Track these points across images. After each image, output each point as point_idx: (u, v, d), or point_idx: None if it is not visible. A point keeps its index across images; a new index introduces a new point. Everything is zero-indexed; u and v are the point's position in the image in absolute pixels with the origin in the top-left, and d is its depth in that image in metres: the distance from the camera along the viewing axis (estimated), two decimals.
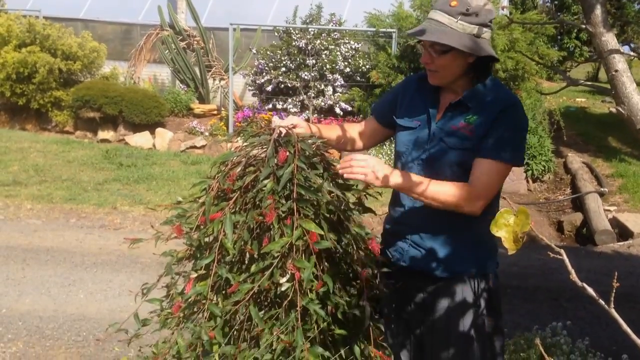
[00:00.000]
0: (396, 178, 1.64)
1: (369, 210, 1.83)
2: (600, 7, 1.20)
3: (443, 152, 1.73)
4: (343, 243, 1.68)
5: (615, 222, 5.96)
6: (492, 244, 1.81)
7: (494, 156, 1.67)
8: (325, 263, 1.65)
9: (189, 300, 1.69)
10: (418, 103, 1.84)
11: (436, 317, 1.79)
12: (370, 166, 1.60)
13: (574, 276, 0.94)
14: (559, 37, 17.73)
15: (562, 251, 0.97)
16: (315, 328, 1.60)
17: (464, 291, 1.77)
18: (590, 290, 0.93)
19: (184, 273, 1.78)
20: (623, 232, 5.80)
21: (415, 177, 1.67)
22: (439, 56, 1.71)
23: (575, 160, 8.23)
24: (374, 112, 2.02)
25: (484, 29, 1.70)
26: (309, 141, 1.69)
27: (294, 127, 1.74)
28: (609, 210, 6.41)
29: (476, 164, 1.68)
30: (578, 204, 6.72)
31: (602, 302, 0.92)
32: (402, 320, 1.86)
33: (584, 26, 1.26)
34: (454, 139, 1.72)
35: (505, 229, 1.03)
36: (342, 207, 1.69)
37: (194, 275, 1.72)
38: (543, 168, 7.54)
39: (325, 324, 1.60)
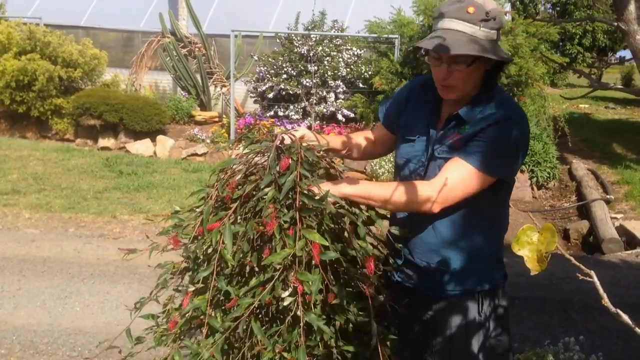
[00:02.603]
0: (338, 189, 1.55)
1: (382, 217, 1.72)
2: (634, 2, 1.11)
3: (437, 165, 1.66)
4: (348, 256, 1.59)
5: (622, 230, 5.85)
6: (496, 256, 1.72)
7: (462, 156, 1.58)
8: (330, 277, 1.56)
9: (186, 315, 1.60)
10: (419, 113, 1.76)
11: (442, 338, 1.70)
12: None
13: (606, 301, 0.86)
14: (560, 44, 17.71)
15: (593, 273, 0.88)
16: (321, 345, 1.50)
17: (472, 310, 1.69)
18: (625, 318, 0.84)
19: (180, 286, 1.69)
20: (630, 241, 5.69)
21: (361, 185, 1.58)
22: (464, 69, 1.58)
23: (580, 167, 8.14)
24: (380, 118, 1.93)
25: (499, 33, 1.62)
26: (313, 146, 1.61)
27: (302, 137, 1.66)
28: (615, 218, 6.31)
29: (448, 162, 1.61)
30: (584, 212, 6.62)
31: (639, 331, 0.83)
32: (407, 341, 1.77)
33: (616, 24, 1.17)
34: (444, 148, 1.65)
35: (528, 247, 0.94)
36: (346, 218, 1.60)
37: (191, 288, 1.63)
38: (548, 175, 7.45)
39: (332, 340, 1.51)
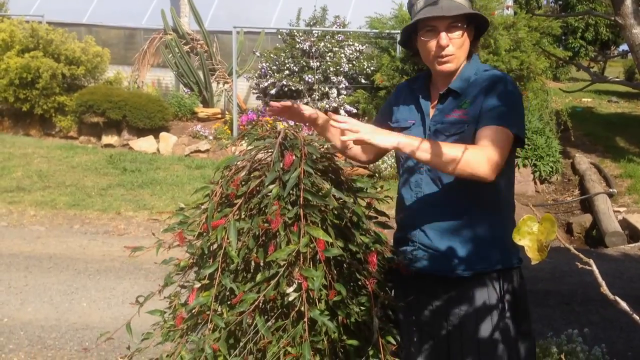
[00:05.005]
0: (400, 137, 1.53)
1: (381, 214, 1.75)
2: None
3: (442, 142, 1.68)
4: (351, 251, 1.61)
5: (625, 224, 5.87)
6: (509, 236, 1.73)
7: (497, 122, 1.60)
8: (334, 271, 1.58)
9: (193, 311, 1.63)
10: (410, 103, 1.81)
11: (456, 323, 1.71)
12: (367, 127, 1.52)
13: (605, 289, 0.88)
14: (563, 38, 17.66)
15: (592, 261, 0.90)
16: (325, 340, 1.53)
17: (484, 293, 1.69)
18: (623, 305, 0.86)
19: (186, 282, 1.72)
20: (633, 234, 5.71)
21: (422, 140, 1.54)
22: (461, 33, 1.67)
23: (583, 160, 8.14)
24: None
25: (472, 6, 1.74)
26: (316, 144, 1.63)
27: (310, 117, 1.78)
28: (618, 212, 6.33)
29: (480, 133, 1.61)
30: (587, 205, 6.63)
31: (637, 317, 0.85)
32: (419, 328, 1.78)
33: (613, 18, 1.19)
34: (450, 126, 1.68)
35: (528, 237, 0.96)
36: (350, 214, 1.62)
37: (197, 285, 1.65)
38: (551, 169, 7.45)
39: (335, 334, 1.53)
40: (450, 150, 1.52)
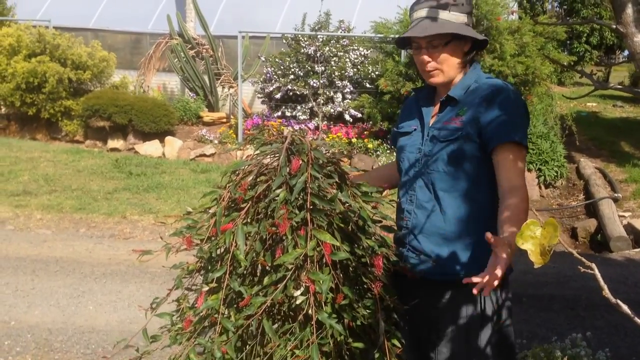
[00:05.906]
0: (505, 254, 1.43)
1: (386, 217, 1.77)
2: (631, 6, 1.15)
3: (436, 148, 1.73)
4: (357, 255, 1.63)
5: (630, 229, 5.85)
6: None
7: (509, 137, 1.63)
8: (340, 275, 1.60)
9: (200, 314, 1.65)
10: (414, 111, 1.87)
11: (449, 325, 1.74)
12: (497, 269, 1.41)
13: (607, 292, 0.89)
14: (568, 42, 17.64)
15: (594, 265, 0.92)
16: (331, 342, 1.54)
17: (469, 300, 1.71)
18: (625, 308, 0.88)
19: (194, 286, 1.73)
20: (638, 239, 5.70)
21: (509, 230, 1.50)
22: (441, 50, 1.71)
23: (588, 165, 8.13)
24: (393, 144, 2.03)
25: (471, 17, 1.76)
26: (322, 149, 1.65)
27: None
28: (623, 216, 6.31)
29: (498, 159, 1.64)
30: (592, 210, 6.62)
31: (639, 321, 0.86)
32: (410, 332, 1.80)
33: (614, 26, 1.21)
34: (446, 133, 1.72)
35: (531, 241, 0.98)
36: (356, 218, 1.64)
37: (205, 288, 1.67)
38: (555, 173, 7.45)
39: (341, 337, 1.55)
40: (519, 220, 1.50)
